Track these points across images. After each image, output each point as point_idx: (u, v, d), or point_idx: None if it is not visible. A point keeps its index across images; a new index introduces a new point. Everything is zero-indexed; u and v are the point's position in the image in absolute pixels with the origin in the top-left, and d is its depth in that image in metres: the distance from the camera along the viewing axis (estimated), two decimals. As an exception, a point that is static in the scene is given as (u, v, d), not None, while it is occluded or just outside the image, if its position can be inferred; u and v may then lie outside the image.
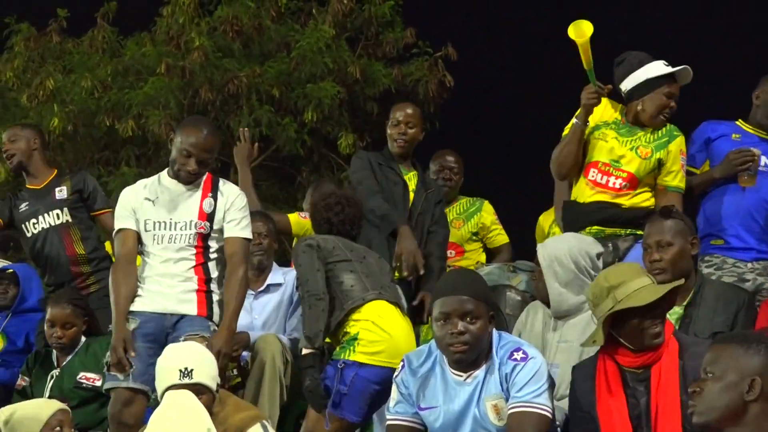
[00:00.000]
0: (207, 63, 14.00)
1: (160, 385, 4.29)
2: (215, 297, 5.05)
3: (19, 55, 14.96)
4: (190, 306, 4.97)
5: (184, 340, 4.80)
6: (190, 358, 4.27)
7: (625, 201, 5.43)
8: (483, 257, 6.64)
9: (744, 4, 14.49)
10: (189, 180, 5.02)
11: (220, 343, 4.77)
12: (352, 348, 4.82)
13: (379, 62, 14.90)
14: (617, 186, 5.42)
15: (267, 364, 5.43)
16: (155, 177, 5.17)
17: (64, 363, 5.64)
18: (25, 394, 5.66)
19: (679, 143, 5.46)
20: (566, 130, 5.57)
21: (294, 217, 6.23)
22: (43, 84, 14.24)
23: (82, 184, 6.32)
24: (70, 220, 6.25)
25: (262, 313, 5.93)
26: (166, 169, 5.15)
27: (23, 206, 6.31)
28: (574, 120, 5.47)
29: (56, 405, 4.71)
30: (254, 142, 6.43)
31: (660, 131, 5.48)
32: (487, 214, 6.69)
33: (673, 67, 5.46)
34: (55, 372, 5.64)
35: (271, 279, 6.01)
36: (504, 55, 16.32)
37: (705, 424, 3.32)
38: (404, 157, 5.96)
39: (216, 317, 5.02)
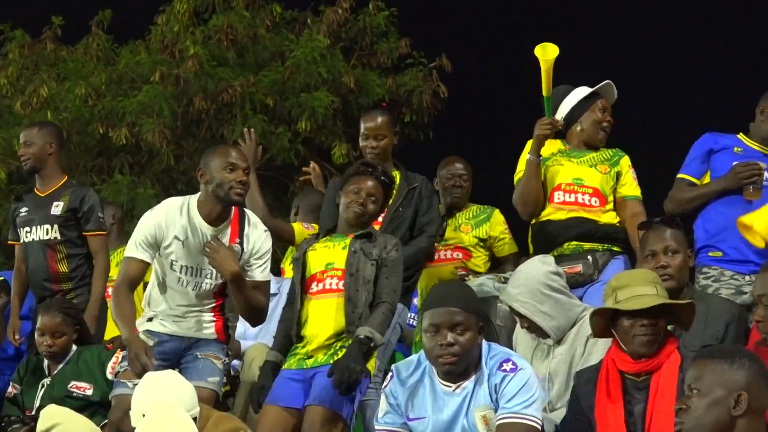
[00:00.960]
0: (201, 72, 13.97)
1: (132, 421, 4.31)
2: (231, 323, 5.14)
3: (13, 63, 14.92)
4: (208, 332, 5.04)
5: (200, 355, 4.91)
6: (149, 402, 4.22)
7: (600, 217, 5.61)
8: (487, 265, 6.58)
9: (746, 9, 14.53)
10: (240, 197, 4.95)
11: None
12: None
13: (374, 72, 14.89)
14: (587, 201, 5.63)
15: (258, 373, 5.42)
16: (185, 210, 5.00)
17: (56, 372, 5.63)
18: (15, 402, 5.65)
19: (626, 161, 5.78)
20: (518, 174, 5.75)
21: (298, 227, 6.18)
22: (37, 91, 14.20)
23: (78, 203, 6.21)
24: (58, 237, 6.20)
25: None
26: (195, 203, 5.02)
27: (23, 211, 6.31)
28: (527, 156, 5.64)
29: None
30: (259, 144, 6.25)
31: (607, 152, 5.77)
32: (496, 224, 6.61)
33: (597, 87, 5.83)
34: (46, 381, 5.63)
35: (264, 289, 5.99)
36: (498, 66, 16.35)
37: None
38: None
39: (231, 342, 5.15)
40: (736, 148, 5.58)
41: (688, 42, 14.90)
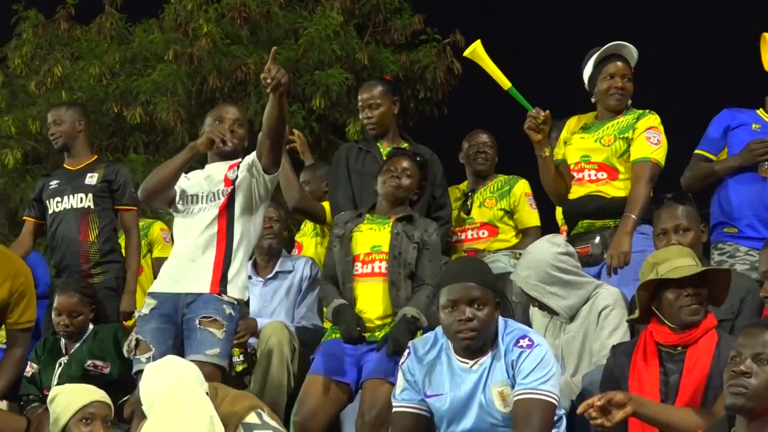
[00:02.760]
0: (215, 50, 13.97)
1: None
2: (232, 270, 4.93)
3: (27, 42, 14.93)
4: (203, 284, 4.89)
5: (199, 324, 4.78)
6: (159, 388, 4.10)
7: (610, 191, 5.40)
8: (515, 240, 6.42)
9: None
10: (227, 149, 5.05)
11: None
12: None
13: (387, 49, 14.87)
14: (593, 177, 5.45)
15: (274, 351, 5.44)
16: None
17: (72, 350, 5.66)
18: (33, 381, 5.69)
19: (647, 121, 5.41)
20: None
21: (329, 206, 6.15)
22: (51, 71, 14.22)
23: (114, 176, 6.34)
24: (91, 207, 6.28)
25: (271, 300, 5.94)
26: None
27: (53, 183, 6.39)
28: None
29: (94, 395, 4.64)
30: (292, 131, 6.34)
31: (629, 117, 5.46)
32: (518, 190, 6.45)
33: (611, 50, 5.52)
34: (64, 359, 5.65)
35: (280, 266, 6.03)
36: (512, 41, 16.33)
37: (749, 408, 3.25)
38: (384, 135, 5.91)
39: (230, 291, 4.91)
40: (754, 125, 5.56)
41: (691, 32, 14.85)
